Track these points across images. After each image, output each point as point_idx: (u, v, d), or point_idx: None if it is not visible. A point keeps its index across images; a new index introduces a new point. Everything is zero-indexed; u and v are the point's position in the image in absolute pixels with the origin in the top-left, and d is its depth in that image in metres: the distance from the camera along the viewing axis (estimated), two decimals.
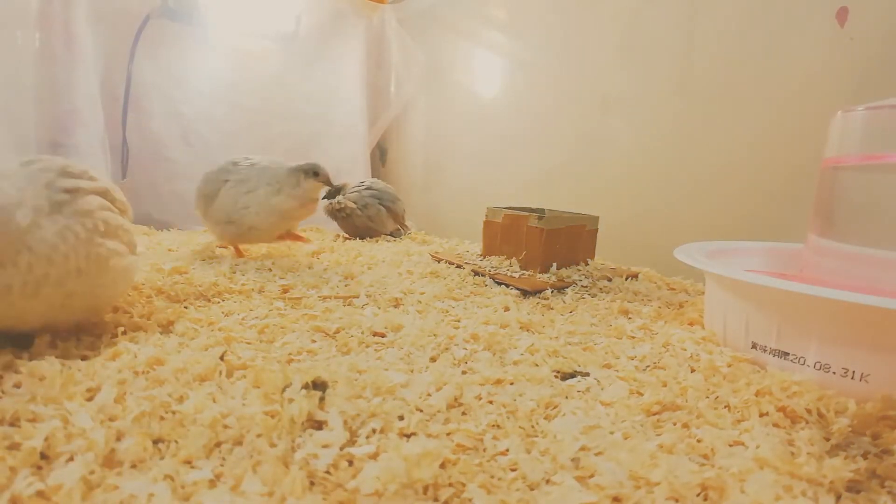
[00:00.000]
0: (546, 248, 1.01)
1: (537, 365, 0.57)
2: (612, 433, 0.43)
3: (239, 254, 1.11)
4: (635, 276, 1.07)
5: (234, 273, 0.91)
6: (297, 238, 1.17)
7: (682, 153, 1.23)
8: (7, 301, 0.46)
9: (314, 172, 1.07)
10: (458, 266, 1.07)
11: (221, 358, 0.52)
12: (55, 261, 0.47)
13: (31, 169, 0.50)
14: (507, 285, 0.94)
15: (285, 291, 0.82)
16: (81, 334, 0.57)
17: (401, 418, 0.42)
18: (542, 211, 1.17)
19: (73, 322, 0.55)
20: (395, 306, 0.78)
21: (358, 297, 0.80)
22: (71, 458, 0.35)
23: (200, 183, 1.10)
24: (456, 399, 0.47)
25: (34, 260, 0.46)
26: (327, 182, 1.08)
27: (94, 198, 0.53)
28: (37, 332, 0.53)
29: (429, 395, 0.47)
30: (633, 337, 0.68)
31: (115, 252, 0.55)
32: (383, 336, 0.64)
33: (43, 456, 0.35)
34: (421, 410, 0.44)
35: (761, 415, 0.47)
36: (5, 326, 0.49)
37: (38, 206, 0.48)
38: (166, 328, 0.62)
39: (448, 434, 0.41)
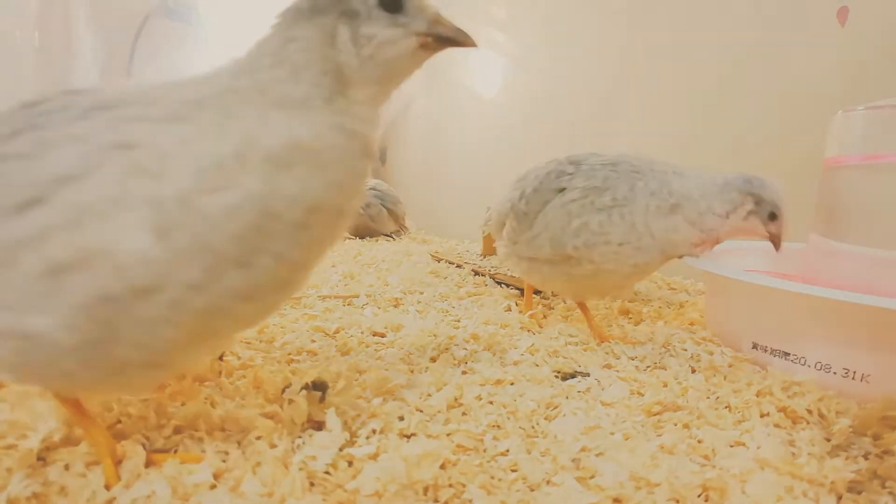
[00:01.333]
0: None
1: (538, 365, 0.57)
2: (612, 434, 0.42)
3: (587, 318, 0.68)
4: None
5: None
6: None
7: (681, 153, 1.22)
8: None
9: (770, 213, 0.59)
10: (458, 266, 1.07)
11: (221, 358, 0.52)
12: None
13: None
14: (507, 285, 0.94)
15: None
16: None
17: (401, 419, 0.42)
18: None
19: None
20: (395, 306, 0.78)
21: (358, 297, 0.80)
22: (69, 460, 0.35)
23: (510, 192, 0.71)
24: (456, 399, 0.47)
25: None
26: (776, 237, 0.60)
27: None
28: None
29: (429, 395, 0.47)
30: (634, 337, 0.68)
31: None
32: (383, 336, 0.64)
33: (40, 457, 0.35)
34: (421, 411, 0.44)
35: (762, 415, 0.47)
36: None
37: None
38: None
39: (448, 434, 0.41)
